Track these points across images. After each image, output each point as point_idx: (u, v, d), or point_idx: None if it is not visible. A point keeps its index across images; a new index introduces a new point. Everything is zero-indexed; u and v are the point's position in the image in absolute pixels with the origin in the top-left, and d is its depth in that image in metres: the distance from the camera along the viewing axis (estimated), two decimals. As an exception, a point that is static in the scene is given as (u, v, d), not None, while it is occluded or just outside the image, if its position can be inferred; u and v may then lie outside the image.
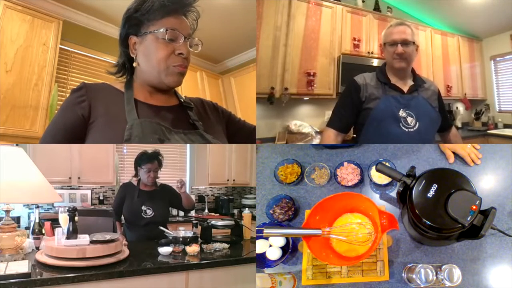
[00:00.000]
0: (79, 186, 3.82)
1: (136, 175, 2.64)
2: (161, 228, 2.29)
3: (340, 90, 3.04)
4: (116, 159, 3.83)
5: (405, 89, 1.85)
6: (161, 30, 1.17)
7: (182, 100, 1.36)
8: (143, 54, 1.22)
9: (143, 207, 2.53)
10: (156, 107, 1.25)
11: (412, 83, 1.88)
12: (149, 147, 2.67)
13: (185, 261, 1.91)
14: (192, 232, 2.29)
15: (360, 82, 1.83)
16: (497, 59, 4.48)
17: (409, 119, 1.78)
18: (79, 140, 1.15)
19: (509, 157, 1.60)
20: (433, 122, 1.89)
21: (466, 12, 3.91)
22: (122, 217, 2.62)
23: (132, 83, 1.28)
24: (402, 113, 1.78)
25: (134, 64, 1.26)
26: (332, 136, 1.82)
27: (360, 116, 1.83)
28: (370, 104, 1.79)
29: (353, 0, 3.45)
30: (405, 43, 1.80)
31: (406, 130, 1.77)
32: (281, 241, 1.57)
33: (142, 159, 2.57)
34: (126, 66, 1.32)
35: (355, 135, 2.00)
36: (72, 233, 1.73)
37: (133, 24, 1.22)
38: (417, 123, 1.79)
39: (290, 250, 1.55)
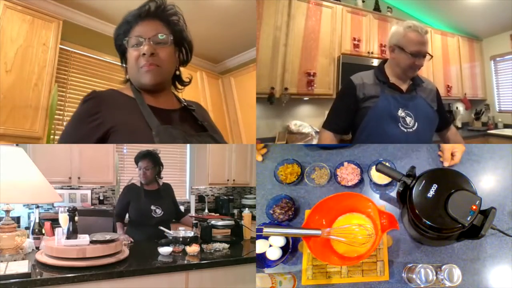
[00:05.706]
0: (79, 186, 3.82)
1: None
2: (161, 228, 2.29)
3: (340, 90, 3.05)
4: (116, 159, 3.82)
5: (404, 88, 1.83)
6: (126, 39, 1.30)
7: (184, 104, 1.44)
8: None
9: (152, 207, 2.54)
10: (165, 110, 1.33)
11: (410, 82, 1.85)
12: (151, 147, 2.69)
13: (185, 261, 1.91)
14: (192, 232, 2.29)
15: (356, 82, 1.80)
16: (497, 59, 4.48)
17: (408, 119, 1.76)
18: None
19: (509, 157, 1.60)
20: (431, 123, 1.87)
21: (466, 12, 3.91)
22: (127, 218, 2.62)
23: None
24: (401, 112, 1.75)
25: (127, 76, 1.39)
26: (328, 138, 1.80)
27: (358, 116, 1.79)
28: (367, 103, 1.76)
29: (353, 0, 3.45)
30: (425, 55, 1.79)
31: (405, 130, 1.75)
32: (281, 241, 1.57)
33: (138, 158, 2.64)
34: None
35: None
36: (72, 233, 1.73)
37: (120, 45, 1.33)
38: (416, 123, 1.77)
39: (290, 250, 1.55)
